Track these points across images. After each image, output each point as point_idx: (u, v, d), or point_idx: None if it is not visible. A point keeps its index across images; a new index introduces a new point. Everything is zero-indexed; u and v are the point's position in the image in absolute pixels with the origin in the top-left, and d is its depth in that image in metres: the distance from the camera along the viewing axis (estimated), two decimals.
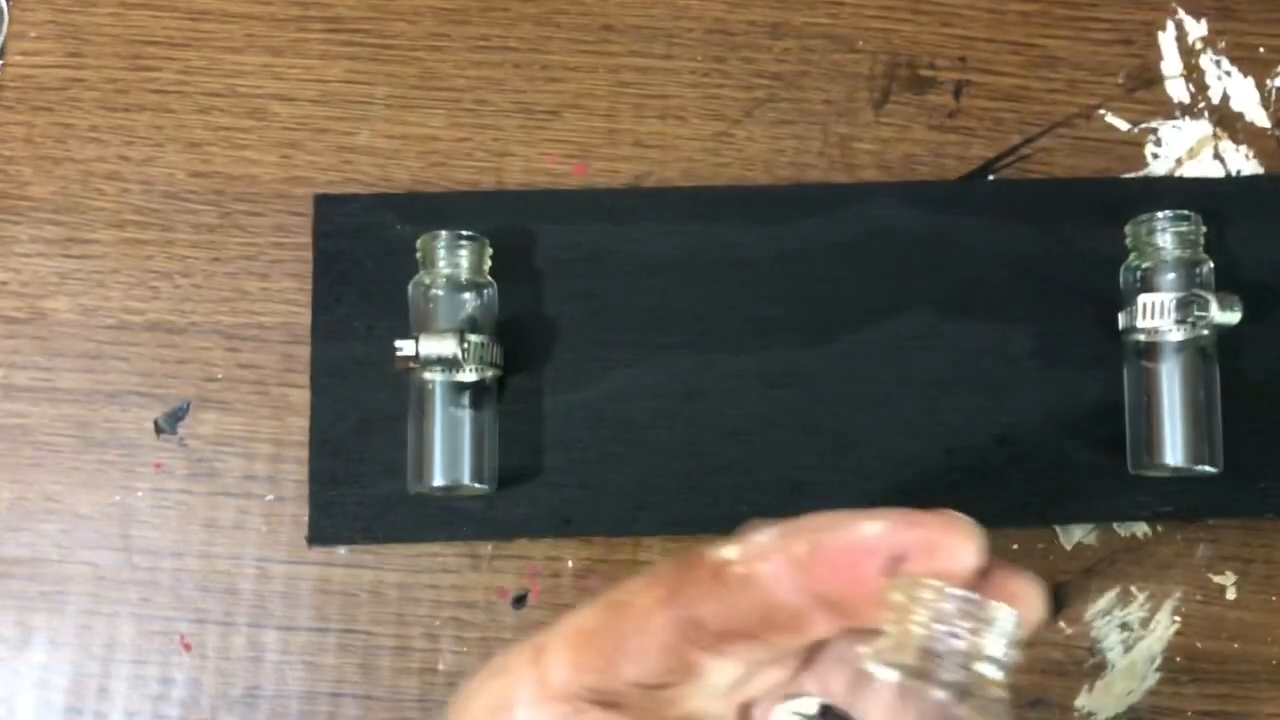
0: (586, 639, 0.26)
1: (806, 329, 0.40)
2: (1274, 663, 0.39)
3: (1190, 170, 0.42)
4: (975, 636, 0.22)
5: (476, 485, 0.38)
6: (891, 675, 0.22)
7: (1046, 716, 0.39)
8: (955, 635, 0.22)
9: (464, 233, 0.38)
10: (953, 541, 0.23)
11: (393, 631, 0.40)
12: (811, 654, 0.26)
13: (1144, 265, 0.38)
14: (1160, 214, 0.38)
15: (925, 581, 0.22)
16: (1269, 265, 0.41)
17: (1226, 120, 0.43)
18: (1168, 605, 0.40)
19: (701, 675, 0.25)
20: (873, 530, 0.24)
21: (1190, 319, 0.37)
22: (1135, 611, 0.40)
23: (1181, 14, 0.44)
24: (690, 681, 0.25)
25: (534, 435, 0.40)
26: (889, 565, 0.23)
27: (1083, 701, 0.39)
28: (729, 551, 0.25)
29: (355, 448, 0.39)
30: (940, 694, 0.22)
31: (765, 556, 0.24)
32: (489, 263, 0.39)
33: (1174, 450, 0.38)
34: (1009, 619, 0.22)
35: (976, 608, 0.22)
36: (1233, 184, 0.42)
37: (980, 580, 0.23)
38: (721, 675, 0.25)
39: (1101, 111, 0.43)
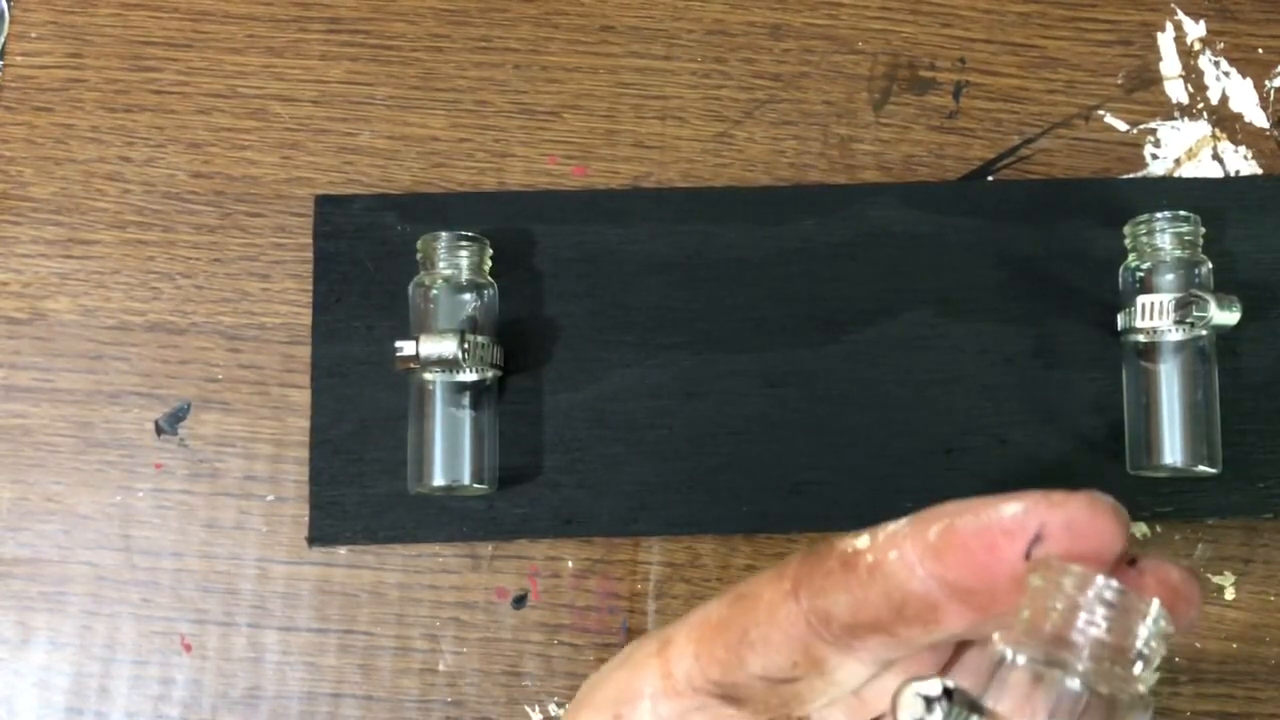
0: (712, 631, 0.25)
1: (806, 329, 0.40)
2: (1273, 663, 0.39)
3: (1189, 171, 0.42)
4: (1116, 628, 0.20)
5: (476, 485, 0.38)
6: (1023, 659, 0.21)
7: None
8: (1095, 625, 0.20)
9: (464, 233, 0.38)
10: (1096, 523, 0.22)
11: (393, 632, 0.40)
12: (951, 658, 0.26)
13: (1143, 266, 0.38)
14: (1159, 214, 0.38)
15: (1066, 565, 0.21)
16: (1268, 265, 0.41)
17: (1225, 121, 0.43)
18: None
19: (828, 672, 0.24)
20: (1010, 511, 0.22)
21: (1189, 319, 0.37)
22: None
23: (1180, 15, 0.44)
24: (817, 677, 0.25)
25: (534, 435, 0.40)
26: (1027, 549, 0.22)
27: None
28: (859, 541, 0.24)
29: (355, 448, 0.39)
30: (1075, 684, 0.20)
31: (896, 544, 0.23)
32: (489, 263, 0.39)
33: (1173, 450, 0.38)
34: (1154, 612, 0.21)
35: (1119, 596, 0.20)
36: (1231, 184, 0.42)
37: (1129, 569, 0.22)
38: (849, 674, 0.25)
39: (1100, 112, 0.43)
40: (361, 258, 0.41)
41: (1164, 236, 0.38)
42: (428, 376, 0.38)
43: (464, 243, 0.38)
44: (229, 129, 0.42)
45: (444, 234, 0.38)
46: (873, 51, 0.43)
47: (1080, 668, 0.21)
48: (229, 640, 0.39)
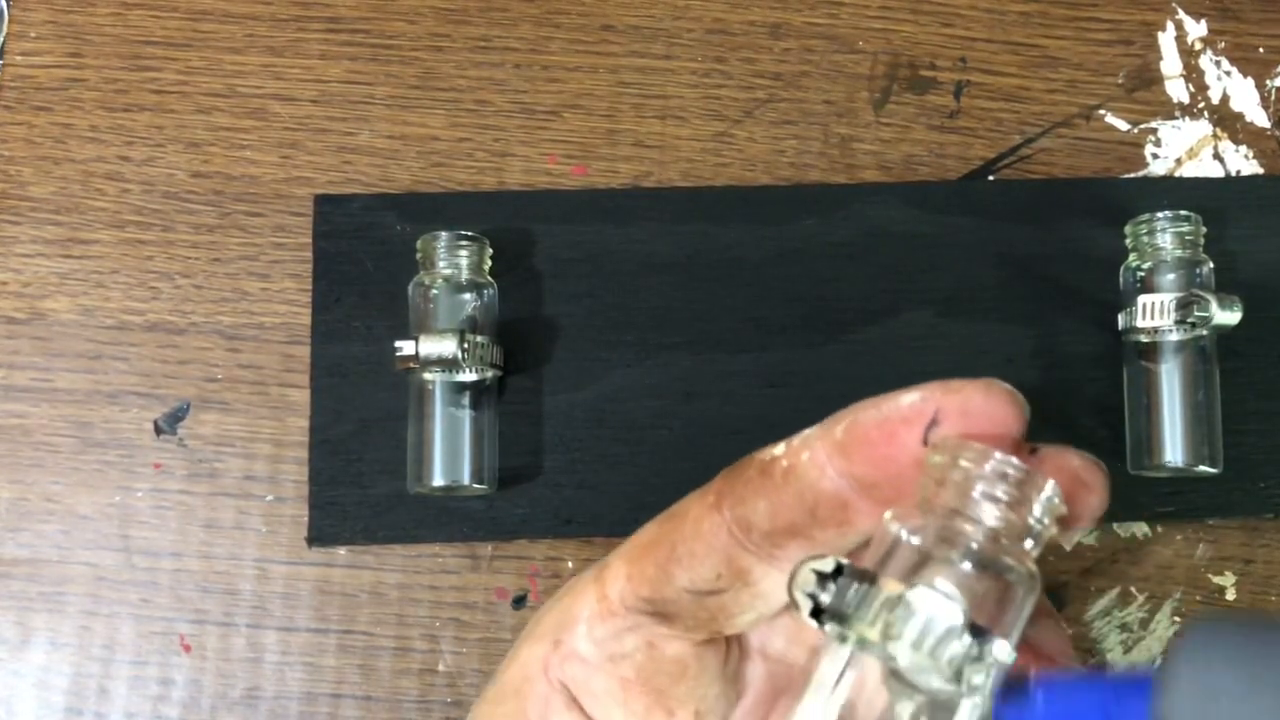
0: (642, 551, 0.26)
1: (806, 329, 0.40)
2: None
3: (1190, 170, 0.42)
4: (1011, 502, 0.21)
5: (476, 485, 0.38)
6: (915, 539, 0.21)
7: None
8: (991, 497, 0.21)
9: (464, 233, 0.38)
10: (991, 405, 0.22)
11: (392, 632, 0.39)
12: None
13: (1144, 265, 0.38)
14: (1160, 214, 0.38)
15: (963, 443, 0.21)
16: (1269, 265, 0.41)
17: (1226, 120, 0.43)
18: (1168, 606, 0.40)
19: (753, 583, 0.25)
20: (907, 400, 0.23)
21: (1190, 319, 0.37)
22: (1135, 612, 0.40)
23: (1181, 14, 0.44)
24: (743, 589, 0.25)
25: (534, 435, 0.40)
26: (924, 434, 0.22)
27: None
28: (776, 448, 0.25)
29: (355, 448, 0.39)
30: (965, 564, 0.20)
31: (807, 446, 0.24)
32: (489, 263, 0.39)
33: (1174, 450, 0.38)
34: (1049, 490, 0.21)
35: (1014, 470, 0.21)
36: (1232, 184, 0.42)
37: (1030, 456, 0.22)
38: (774, 586, 0.25)
39: (1101, 112, 0.43)
40: (361, 257, 0.41)
41: (1165, 236, 0.38)
42: (427, 376, 0.38)
43: (464, 242, 0.38)
44: (228, 128, 0.42)
45: (444, 233, 0.38)
46: (873, 51, 0.43)
47: (972, 543, 0.21)
48: (228, 641, 0.39)
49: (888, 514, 0.22)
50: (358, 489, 0.39)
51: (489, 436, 0.39)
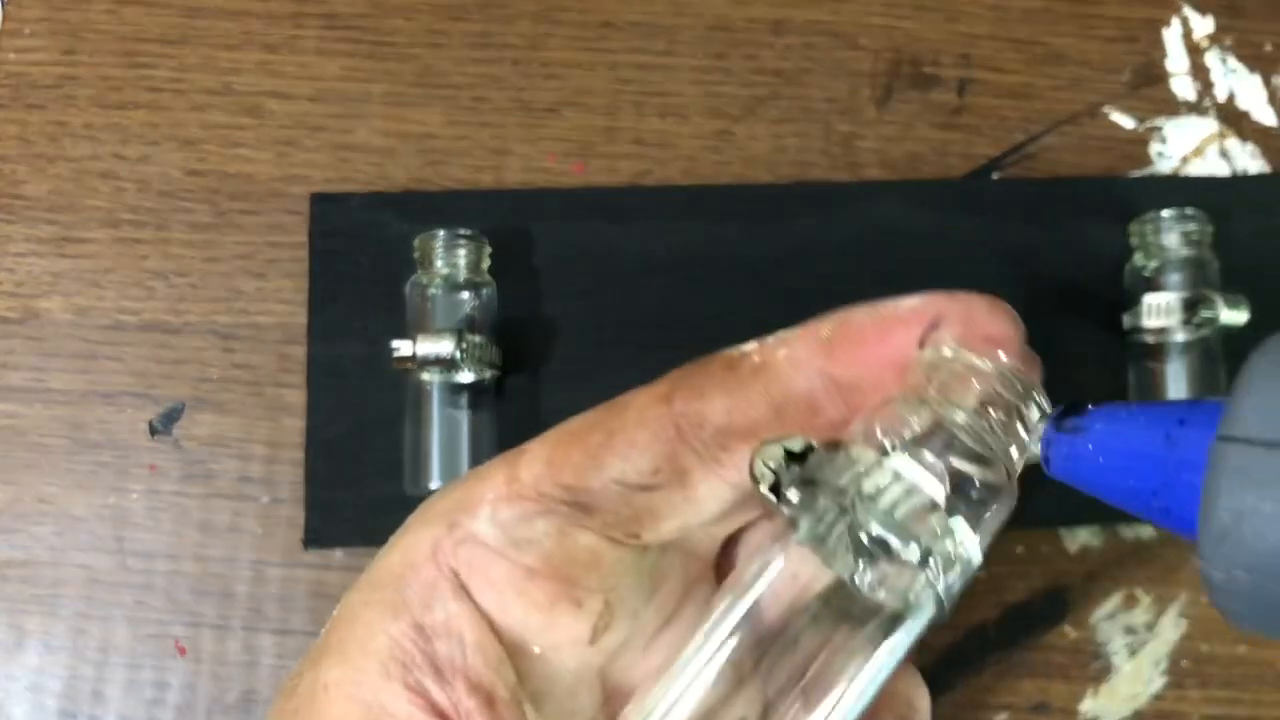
0: (571, 437, 0.24)
1: None
2: None
3: (1195, 168, 0.42)
4: (1008, 411, 0.20)
5: None
6: (903, 428, 0.20)
7: None
8: (990, 402, 0.20)
9: (462, 231, 0.38)
10: (994, 317, 0.22)
11: None
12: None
13: (1149, 264, 0.38)
14: (1165, 212, 0.38)
15: (959, 348, 0.21)
16: (1275, 264, 0.40)
17: (1232, 118, 0.42)
18: (1173, 608, 0.39)
19: (690, 486, 0.23)
20: (908, 304, 0.22)
21: (1196, 319, 0.36)
22: (1140, 615, 0.39)
23: (1187, 11, 0.43)
24: (677, 490, 0.23)
25: (533, 435, 0.39)
26: (922, 336, 0.21)
27: (1087, 705, 0.39)
28: (746, 346, 0.24)
29: (351, 449, 0.39)
30: (952, 457, 0.20)
31: (785, 344, 0.23)
32: (488, 261, 0.39)
33: None
34: (1047, 405, 0.21)
35: (1018, 380, 0.20)
36: (1238, 182, 0.42)
37: (1031, 368, 0.22)
38: (709, 494, 0.24)
39: (1106, 109, 0.43)
40: (358, 256, 0.40)
41: (1170, 235, 0.38)
42: (425, 376, 0.37)
43: (462, 241, 0.38)
44: (224, 126, 0.42)
45: (441, 232, 0.38)
46: (876, 47, 0.43)
47: (964, 437, 0.20)
48: (224, 643, 0.39)
49: (868, 411, 0.21)
50: (354, 490, 0.39)
51: (487, 437, 0.38)
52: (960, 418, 0.20)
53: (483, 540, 0.24)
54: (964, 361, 0.20)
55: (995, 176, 0.42)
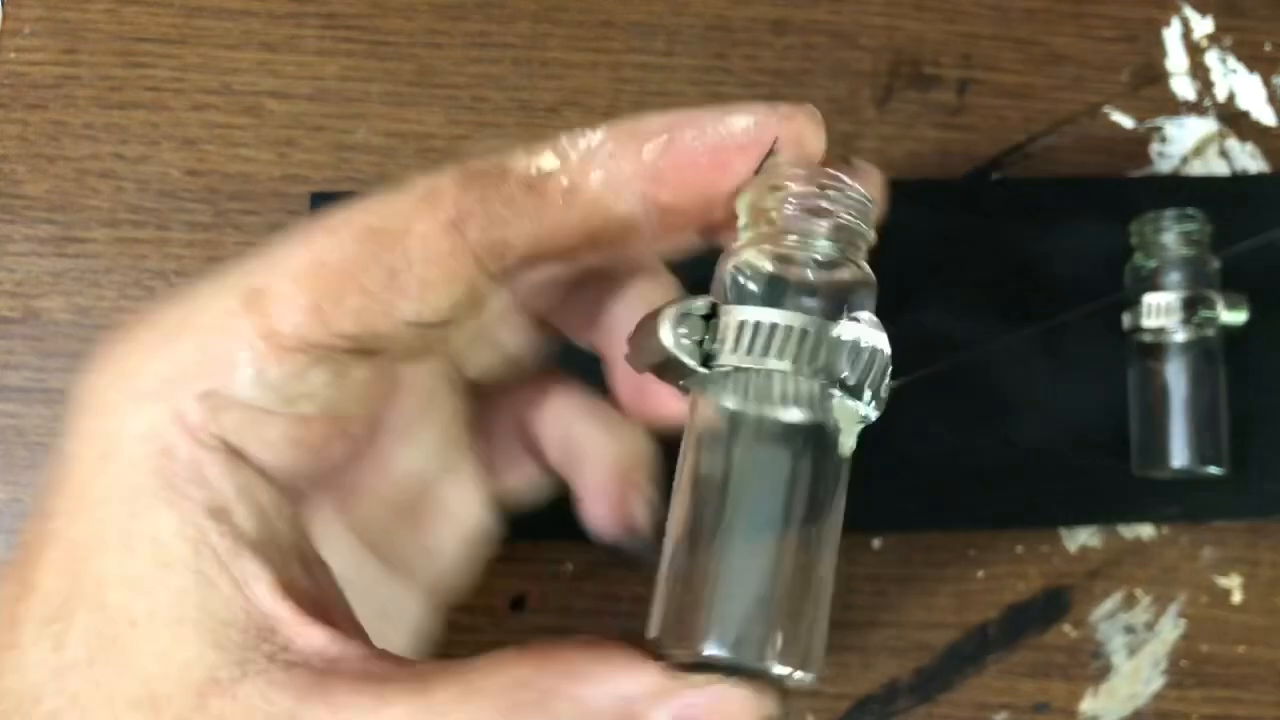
0: (336, 276, 0.21)
1: None
2: None
3: (1195, 168, 0.42)
4: (847, 213, 0.21)
5: None
6: (764, 265, 0.21)
7: None
8: (828, 215, 0.21)
9: None
10: (818, 133, 0.22)
11: None
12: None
13: (1149, 264, 0.38)
14: (1165, 212, 0.38)
15: (795, 168, 0.21)
16: (1275, 264, 0.40)
17: (1232, 118, 0.42)
18: (1173, 608, 0.39)
19: (485, 309, 0.22)
20: (741, 125, 0.21)
21: (1196, 319, 0.36)
22: (1140, 615, 0.39)
23: (1187, 10, 0.43)
24: (472, 317, 0.22)
25: None
26: (760, 163, 0.21)
27: (1087, 705, 0.39)
28: (544, 161, 0.21)
29: None
30: (820, 274, 0.21)
31: (598, 164, 0.21)
32: None
33: (1179, 451, 0.37)
34: (872, 193, 0.22)
35: (846, 186, 0.21)
36: (1238, 182, 0.42)
37: (845, 168, 0.22)
38: (494, 305, 0.23)
39: (1106, 109, 0.43)
40: None
41: (1170, 235, 0.38)
42: None
43: None
44: (223, 125, 0.42)
45: None
46: (876, 47, 0.43)
47: (817, 255, 0.21)
48: None
49: (726, 258, 0.22)
50: None
51: None
52: (816, 240, 0.21)
53: (247, 403, 0.21)
54: (800, 190, 0.21)
55: (995, 176, 0.42)
